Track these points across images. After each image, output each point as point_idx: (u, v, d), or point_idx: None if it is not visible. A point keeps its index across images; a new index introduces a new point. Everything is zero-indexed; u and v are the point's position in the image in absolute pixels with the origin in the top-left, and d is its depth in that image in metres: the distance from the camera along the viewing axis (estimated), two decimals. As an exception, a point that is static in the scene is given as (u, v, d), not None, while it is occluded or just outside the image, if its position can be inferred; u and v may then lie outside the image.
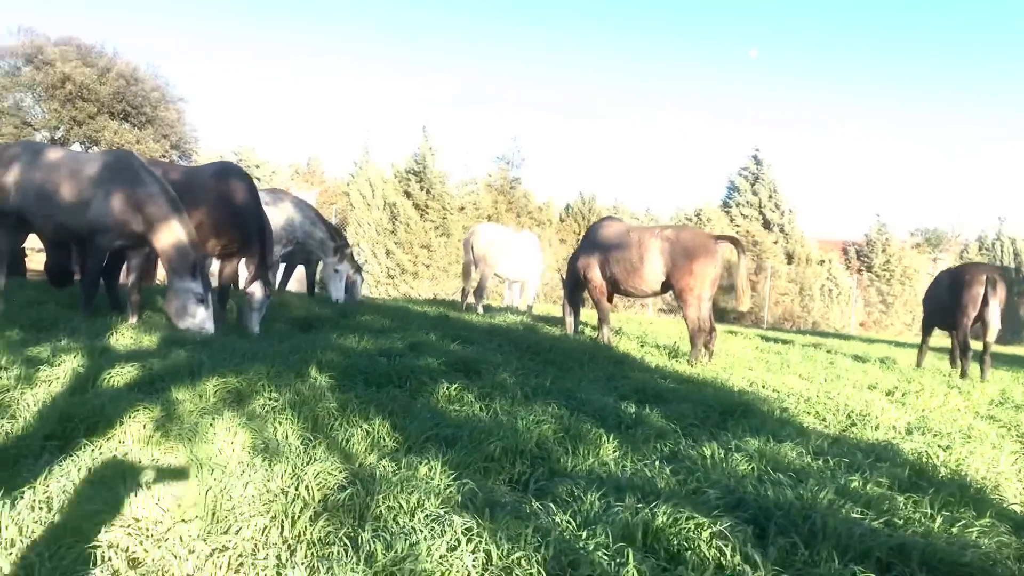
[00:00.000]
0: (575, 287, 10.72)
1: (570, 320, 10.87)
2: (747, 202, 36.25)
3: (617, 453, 4.34)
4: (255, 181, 9.33)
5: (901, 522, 3.43)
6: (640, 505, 3.17)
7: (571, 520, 3.12)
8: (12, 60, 29.43)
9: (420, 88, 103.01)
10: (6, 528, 2.77)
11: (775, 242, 35.00)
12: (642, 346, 10.08)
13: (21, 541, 2.71)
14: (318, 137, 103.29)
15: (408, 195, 31.39)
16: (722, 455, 4.33)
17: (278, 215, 11.11)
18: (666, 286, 9.52)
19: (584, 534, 2.99)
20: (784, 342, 12.57)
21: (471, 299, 14.43)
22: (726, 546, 2.89)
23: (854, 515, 3.39)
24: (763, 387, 7.53)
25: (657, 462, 4.09)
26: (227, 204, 8.54)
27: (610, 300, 10.23)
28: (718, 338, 9.91)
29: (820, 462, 4.40)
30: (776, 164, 49.09)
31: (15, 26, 30.40)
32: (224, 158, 29.01)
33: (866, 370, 9.46)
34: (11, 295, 8.24)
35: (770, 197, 35.93)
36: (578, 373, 7.03)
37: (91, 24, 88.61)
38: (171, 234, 7.48)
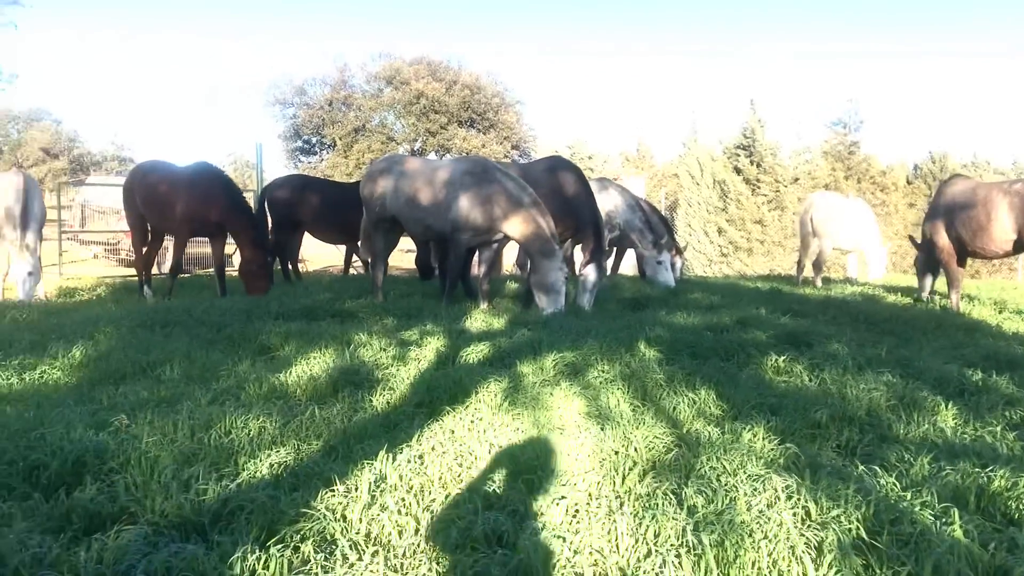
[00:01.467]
0: (927, 252, 9.97)
1: (925, 284, 10.19)
2: None
3: (956, 421, 4.05)
4: (588, 172, 9.84)
5: None
6: (977, 470, 2.97)
7: (896, 482, 3.04)
8: (376, 84, 33.93)
9: (747, 60, 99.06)
10: (390, 476, 3.36)
11: None
12: (1000, 312, 9.00)
13: (401, 486, 3.27)
14: (646, 122, 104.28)
15: (738, 171, 30.67)
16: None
17: (604, 202, 11.59)
18: (1019, 245, 8.45)
19: (909, 495, 2.90)
20: None
21: (808, 272, 13.81)
22: (1078, 513, 2.61)
23: None
24: None
25: (1000, 429, 3.74)
26: (559, 195, 9.16)
27: (961, 264, 9.28)
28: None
29: None
30: None
31: (376, 52, 35.00)
32: (558, 153, 30.79)
33: None
34: (386, 289, 9.60)
35: None
36: (919, 342, 6.54)
37: (439, 37, 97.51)
38: (528, 223, 8.06)
